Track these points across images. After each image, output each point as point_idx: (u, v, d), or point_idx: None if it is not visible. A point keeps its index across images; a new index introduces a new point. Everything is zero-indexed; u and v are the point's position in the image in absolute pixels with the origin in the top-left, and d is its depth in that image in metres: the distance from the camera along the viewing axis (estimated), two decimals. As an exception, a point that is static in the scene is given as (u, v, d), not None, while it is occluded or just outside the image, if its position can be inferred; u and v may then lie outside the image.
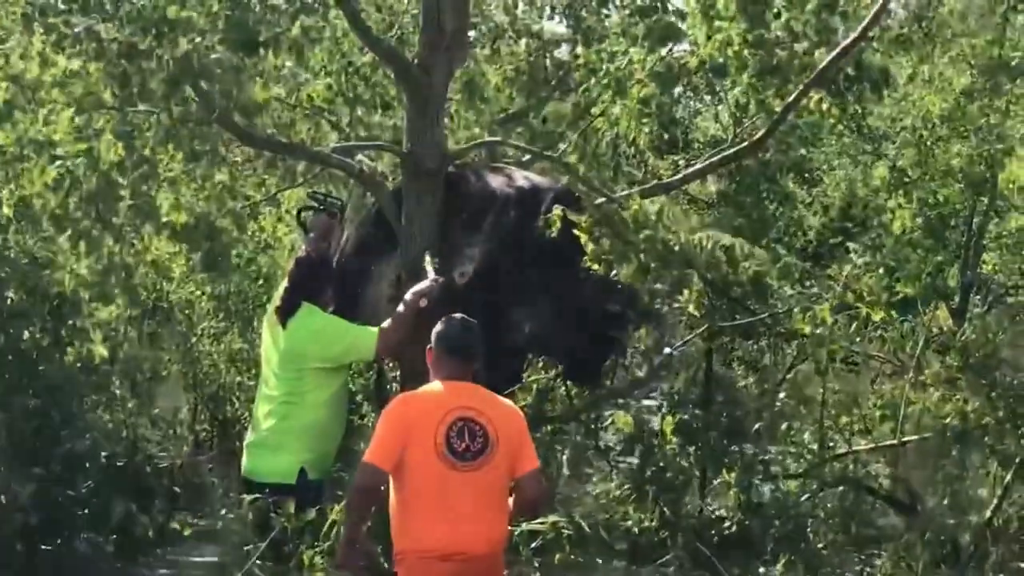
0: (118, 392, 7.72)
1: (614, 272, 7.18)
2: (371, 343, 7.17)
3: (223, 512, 7.37)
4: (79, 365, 7.46)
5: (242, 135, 7.47)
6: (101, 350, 7.32)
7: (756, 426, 7.38)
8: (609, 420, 8.16)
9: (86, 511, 7.21)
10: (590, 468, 7.83)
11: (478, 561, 5.97)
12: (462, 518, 5.89)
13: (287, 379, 7.19)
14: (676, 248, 7.22)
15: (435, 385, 6.13)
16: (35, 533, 7.08)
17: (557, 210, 7.24)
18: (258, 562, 6.50)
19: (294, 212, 9.12)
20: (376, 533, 6.46)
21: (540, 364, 8.22)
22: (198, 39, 6.81)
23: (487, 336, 7.17)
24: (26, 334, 7.39)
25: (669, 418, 7.53)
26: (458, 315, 6.30)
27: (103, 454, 7.36)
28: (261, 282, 9.56)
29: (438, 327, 6.21)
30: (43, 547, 7.02)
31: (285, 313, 7.22)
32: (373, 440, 5.96)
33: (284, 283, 7.37)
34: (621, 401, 8.49)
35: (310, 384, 7.17)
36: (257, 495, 6.88)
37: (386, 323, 7.21)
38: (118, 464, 7.42)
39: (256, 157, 8.77)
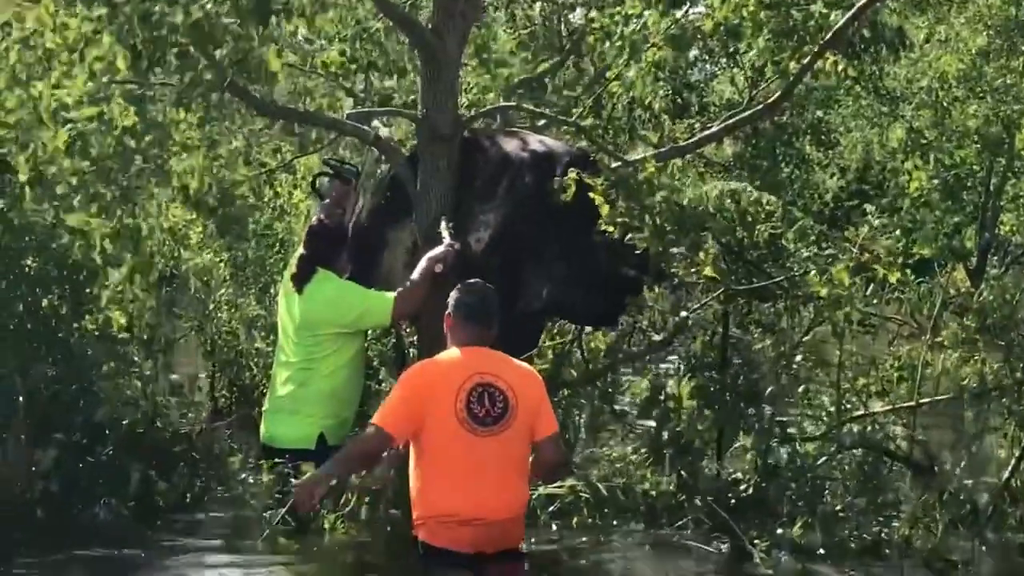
0: (136, 359, 7.73)
1: (629, 236, 7.17)
2: (387, 309, 7.18)
3: (242, 478, 7.39)
4: (96, 332, 7.48)
5: (255, 104, 7.46)
6: (119, 317, 7.33)
7: (772, 389, 7.37)
8: (626, 386, 8.17)
9: (105, 478, 7.24)
10: (607, 431, 7.84)
11: (498, 525, 5.99)
12: (483, 483, 5.92)
13: (304, 345, 7.22)
14: (690, 209, 7.20)
15: (453, 351, 6.14)
16: (56, 500, 7.11)
17: (572, 174, 7.23)
18: (278, 527, 6.52)
19: (309, 179, 9.12)
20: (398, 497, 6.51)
21: (556, 329, 8.24)
22: (209, 6, 6.78)
23: (504, 301, 7.19)
24: (44, 302, 7.40)
25: (686, 381, 7.54)
26: (475, 280, 6.30)
27: (123, 421, 7.38)
28: (277, 248, 9.57)
29: (455, 293, 6.22)
30: (63, 514, 7.05)
31: (300, 280, 7.24)
32: (385, 403, 5.98)
33: (299, 250, 7.38)
34: (638, 364, 8.51)
35: (327, 350, 7.20)
36: (277, 460, 6.91)
37: (401, 288, 7.22)
38: (137, 431, 7.45)
39: (272, 123, 8.75)
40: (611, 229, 7.19)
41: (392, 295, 7.21)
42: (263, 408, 7.45)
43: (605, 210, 7.21)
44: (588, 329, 8.21)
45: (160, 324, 8.01)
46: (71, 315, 7.45)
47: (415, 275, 7.21)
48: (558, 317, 7.95)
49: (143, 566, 6.36)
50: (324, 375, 7.21)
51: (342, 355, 7.25)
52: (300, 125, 8.61)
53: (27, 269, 7.36)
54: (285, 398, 7.24)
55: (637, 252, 7.23)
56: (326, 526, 6.71)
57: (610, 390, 8.21)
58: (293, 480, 6.71)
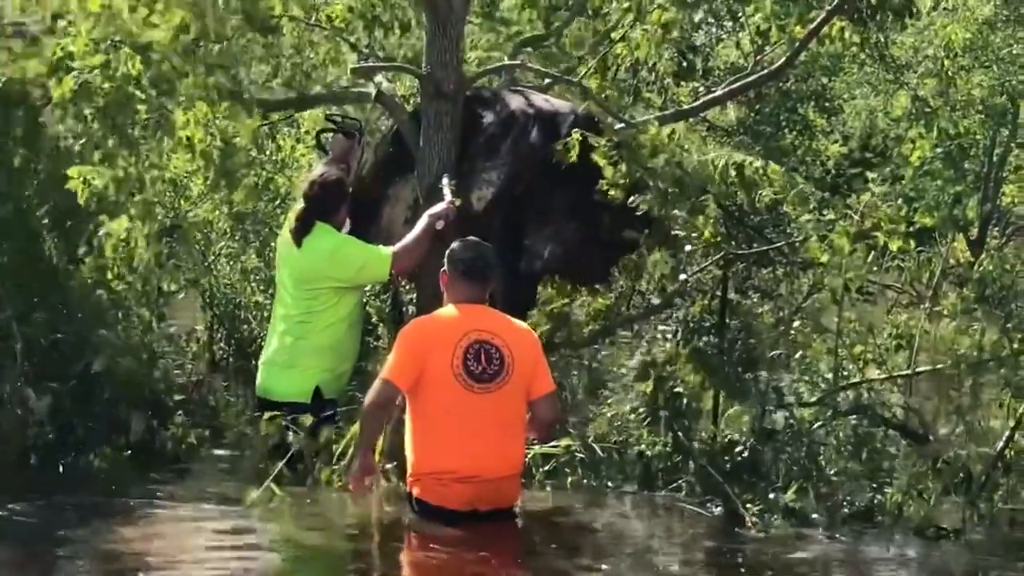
0: (134, 308, 7.73)
1: (631, 199, 7.16)
2: (385, 263, 7.18)
3: (239, 429, 7.40)
4: (94, 281, 7.48)
5: (252, 103, 7.49)
6: (119, 265, 7.33)
7: (770, 354, 7.38)
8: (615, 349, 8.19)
9: (101, 426, 7.26)
10: (604, 393, 7.84)
11: (493, 483, 6.03)
12: (478, 440, 5.95)
13: (302, 299, 7.23)
14: (692, 172, 7.19)
15: (450, 309, 6.16)
16: (51, 447, 7.13)
17: (576, 134, 7.21)
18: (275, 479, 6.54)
19: (313, 134, 9.10)
20: (390, 452, 6.53)
21: (555, 289, 8.24)
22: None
23: (505, 260, 7.20)
24: (45, 249, 7.41)
25: (683, 345, 7.54)
26: (471, 238, 6.32)
27: (120, 370, 7.39)
28: (279, 202, 9.56)
29: (451, 250, 6.24)
30: (57, 461, 7.07)
31: (300, 233, 7.24)
32: (390, 359, 6.03)
33: (299, 203, 7.38)
34: (636, 327, 8.51)
35: (325, 304, 7.20)
36: (274, 412, 6.93)
37: (401, 244, 7.22)
38: (134, 381, 7.46)
39: (273, 76, 8.73)
40: (613, 191, 7.19)
41: (391, 250, 7.21)
42: (260, 360, 7.46)
43: (608, 172, 7.20)
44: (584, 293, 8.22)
45: (158, 275, 7.99)
46: (70, 263, 7.45)
47: (415, 231, 7.21)
48: (560, 276, 7.95)
49: (136, 514, 6.37)
50: (321, 329, 7.22)
51: (340, 309, 7.26)
52: (302, 83, 8.60)
53: (27, 215, 7.36)
54: (282, 351, 7.26)
55: (638, 214, 7.23)
56: (322, 479, 6.72)
57: (608, 352, 8.21)
58: (290, 432, 6.73)
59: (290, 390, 7.15)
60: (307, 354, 7.20)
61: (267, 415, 6.95)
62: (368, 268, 7.24)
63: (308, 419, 6.76)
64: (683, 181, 7.20)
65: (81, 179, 6.96)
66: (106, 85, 6.80)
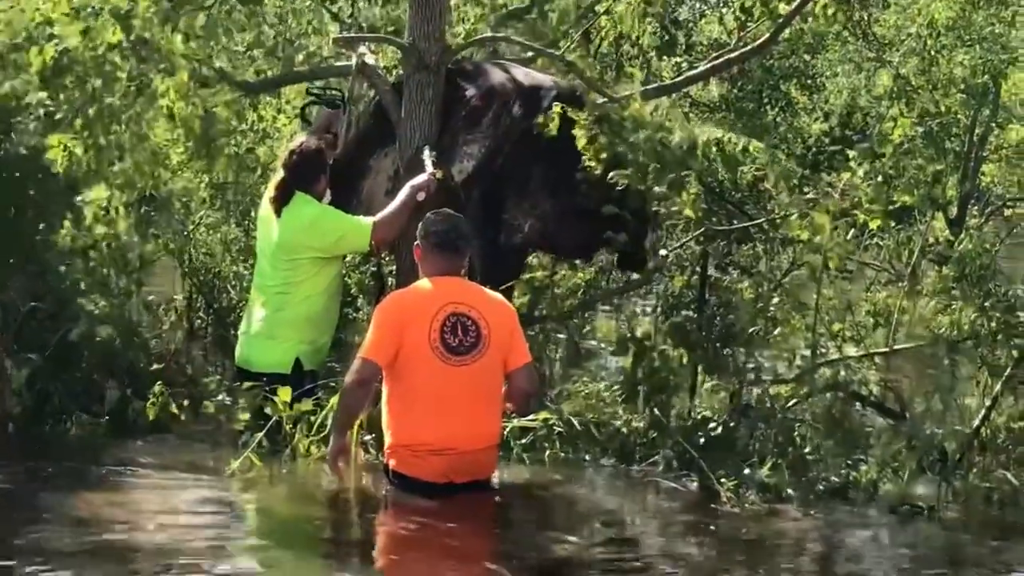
0: (112, 276, 7.70)
1: (611, 175, 7.16)
2: (365, 234, 7.17)
3: (217, 399, 7.39)
4: (71, 250, 7.46)
5: (234, 84, 7.48)
6: (99, 229, 7.32)
7: (748, 330, 7.40)
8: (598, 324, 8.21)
9: (78, 395, 7.25)
10: (583, 367, 7.87)
11: (469, 456, 6.05)
12: (455, 413, 5.96)
13: (281, 269, 7.22)
14: (674, 148, 7.18)
15: (426, 282, 6.17)
16: (28, 415, 7.12)
17: (556, 108, 7.20)
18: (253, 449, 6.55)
19: (295, 105, 9.09)
20: (368, 425, 6.54)
21: (534, 263, 8.24)
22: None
23: (486, 233, 7.20)
24: (24, 219, 7.39)
25: (662, 320, 7.56)
26: (444, 209, 6.33)
27: (97, 340, 7.38)
28: (260, 172, 9.53)
29: (424, 223, 6.24)
30: (36, 429, 7.06)
31: (279, 202, 7.23)
32: (368, 336, 6.03)
33: (278, 173, 7.36)
34: (615, 301, 8.53)
35: (304, 274, 7.20)
36: (254, 383, 6.93)
37: (381, 215, 7.21)
38: (111, 350, 7.44)
39: (255, 45, 8.70)
40: (594, 165, 7.18)
41: (371, 220, 7.20)
42: (239, 331, 7.45)
43: (589, 147, 7.19)
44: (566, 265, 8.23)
45: (137, 243, 7.97)
46: (48, 230, 7.43)
47: (396, 202, 7.20)
48: (539, 250, 7.95)
49: (110, 481, 6.37)
50: (301, 300, 7.21)
51: (319, 280, 7.25)
52: (284, 48, 8.58)
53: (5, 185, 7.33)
54: (262, 322, 7.25)
55: (619, 189, 7.22)
56: (300, 449, 6.73)
57: (587, 327, 8.23)
58: (270, 403, 6.73)
59: (270, 361, 7.15)
60: (287, 325, 7.19)
61: (246, 386, 6.95)
62: (348, 238, 7.23)
63: (288, 392, 6.75)
64: (664, 157, 7.20)
65: (61, 147, 6.93)
66: (86, 53, 6.77)
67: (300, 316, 7.21)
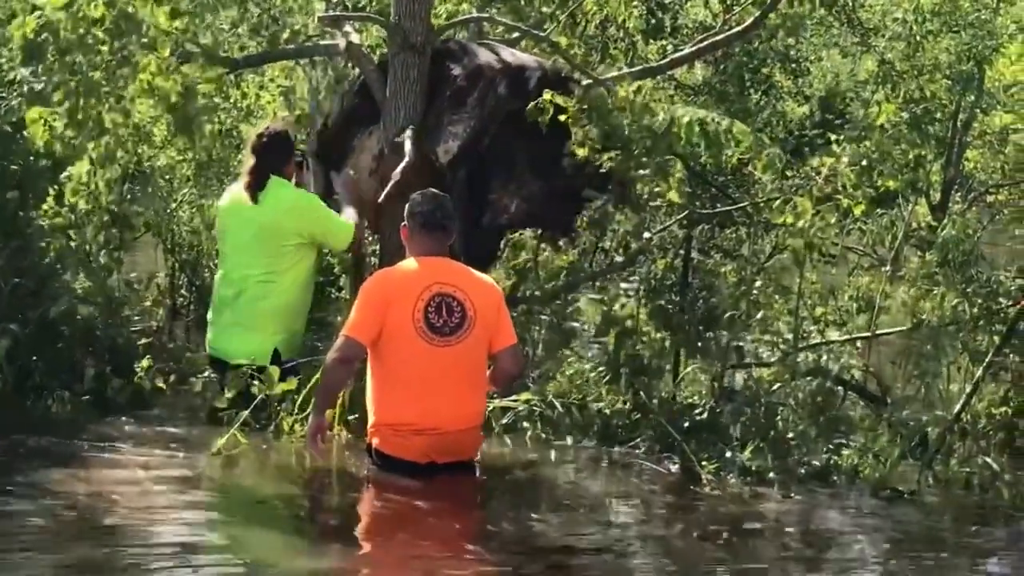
0: (93, 251, 7.67)
1: (595, 158, 7.15)
2: (348, 237, 7.24)
3: (203, 376, 7.36)
4: (53, 227, 7.43)
5: (220, 61, 7.46)
6: (80, 204, 7.29)
7: (731, 313, 7.40)
8: (577, 306, 8.19)
9: (59, 372, 7.22)
10: (566, 349, 7.86)
11: (452, 436, 6.05)
12: (438, 393, 5.96)
13: (264, 256, 7.16)
14: (660, 133, 7.18)
15: (412, 262, 6.15)
16: (8, 390, 7.09)
17: (547, 95, 7.17)
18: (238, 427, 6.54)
19: (281, 86, 9.10)
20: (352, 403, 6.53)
21: (517, 244, 8.24)
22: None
23: (471, 214, 7.19)
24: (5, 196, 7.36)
25: (644, 303, 7.56)
26: (430, 190, 6.32)
27: (77, 318, 7.35)
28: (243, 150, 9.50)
29: (410, 203, 6.23)
30: (17, 405, 7.04)
31: (255, 188, 7.18)
32: (352, 314, 6.02)
33: (247, 160, 7.28)
34: (598, 284, 8.52)
35: (290, 261, 7.17)
36: (240, 363, 6.90)
37: (356, 219, 7.27)
38: (91, 328, 7.42)
39: (240, 22, 8.68)
40: (580, 150, 7.17)
41: (352, 223, 7.23)
42: (214, 321, 7.38)
43: (576, 131, 7.17)
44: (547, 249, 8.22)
45: (118, 220, 7.94)
46: (29, 206, 7.39)
47: (352, 209, 7.22)
48: (527, 227, 7.95)
49: (90, 458, 6.35)
50: (283, 289, 7.18)
51: (301, 267, 7.23)
52: (268, 25, 8.55)
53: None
54: (240, 312, 7.19)
55: (603, 172, 7.22)
56: (284, 428, 6.72)
57: (570, 309, 8.22)
58: (255, 382, 6.73)
59: (249, 352, 7.09)
60: (268, 315, 7.16)
61: (233, 366, 6.93)
62: (333, 235, 7.25)
63: (276, 371, 6.76)
64: (649, 140, 7.19)
65: (41, 121, 6.90)
66: (69, 26, 6.73)
67: (281, 306, 7.19)
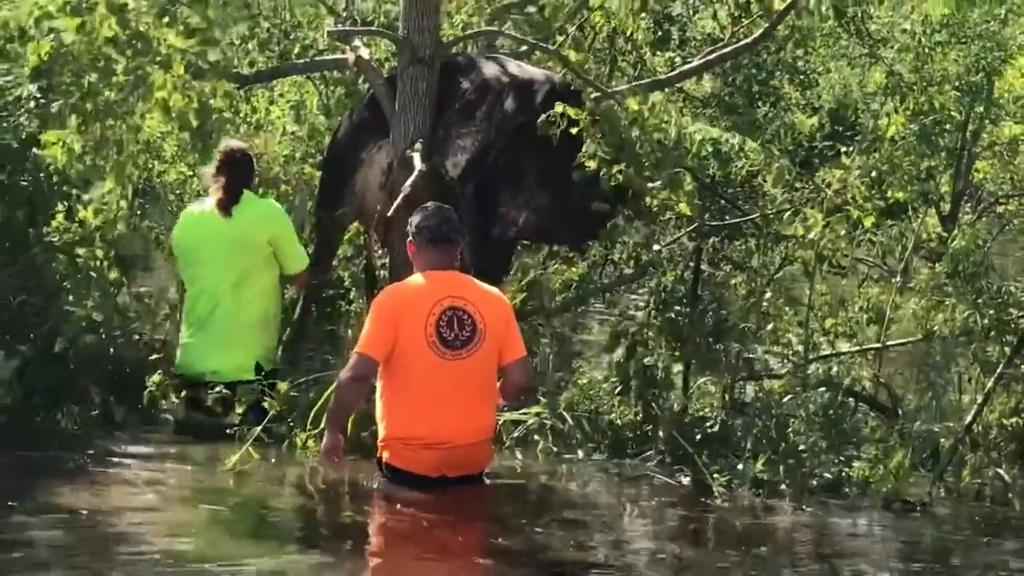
0: (104, 270, 7.67)
1: (604, 172, 7.15)
2: (302, 262, 7.49)
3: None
4: (60, 245, 7.44)
5: (229, 77, 7.51)
6: (91, 217, 7.31)
7: (741, 326, 7.40)
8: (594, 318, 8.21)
9: (66, 393, 7.22)
10: (576, 361, 7.86)
11: (463, 450, 6.04)
12: (449, 407, 5.96)
13: (239, 269, 7.29)
14: (670, 146, 7.19)
15: (420, 276, 6.16)
16: (18, 406, 7.10)
17: (559, 107, 7.18)
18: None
19: (291, 100, 9.11)
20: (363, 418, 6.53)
21: (528, 258, 8.24)
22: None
23: (480, 227, 7.20)
24: (18, 214, 7.37)
25: (654, 315, 7.56)
26: (432, 203, 6.33)
27: (82, 346, 7.34)
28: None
29: (415, 218, 6.23)
30: (27, 420, 7.04)
31: (230, 202, 7.29)
32: (365, 332, 6.02)
33: (216, 179, 7.32)
34: (608, 296, 8.53)
35: (260, 272, 7.33)
36: (248, 381, 6.94)
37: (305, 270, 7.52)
38: (100, 353, 7.40)
39: (250, 38, 8.70)
40: (590, 163, 7.18)
41: (307, 261, 7.50)
42: (185, 340, 7.40)
43: (587, 144, 7.17)
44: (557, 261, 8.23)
45: (130, 235, 7.95)
46: (38, 226, 7.40)
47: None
48: (533, 241, 7.96)
49: (100, 472, 6.36)
50: (257, 301, 7.33)
51: (269, 278, 7.40)
52: (280, 40, 8.58)
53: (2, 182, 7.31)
54: (218, 329, 7.25)
55: (613, 185, 7.22)
56: (297, 443, 6.73)
57: (580, 320, 8.23)
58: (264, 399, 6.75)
59: (233, 367, 7.18)
60: (247, 329, 7.29)
61: (242, 386, 6.97)
62: (291, 256, 7.44)
63: (286, 385, 6.80)
64: (659, 154, 7.20)
65: (60, 143, 6.94)
66: (82, 47, 6.76)
67: (257, 318, 7.34)
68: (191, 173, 9.25)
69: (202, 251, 7.36)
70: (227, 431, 6.84)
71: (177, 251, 7.53)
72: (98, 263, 7.55)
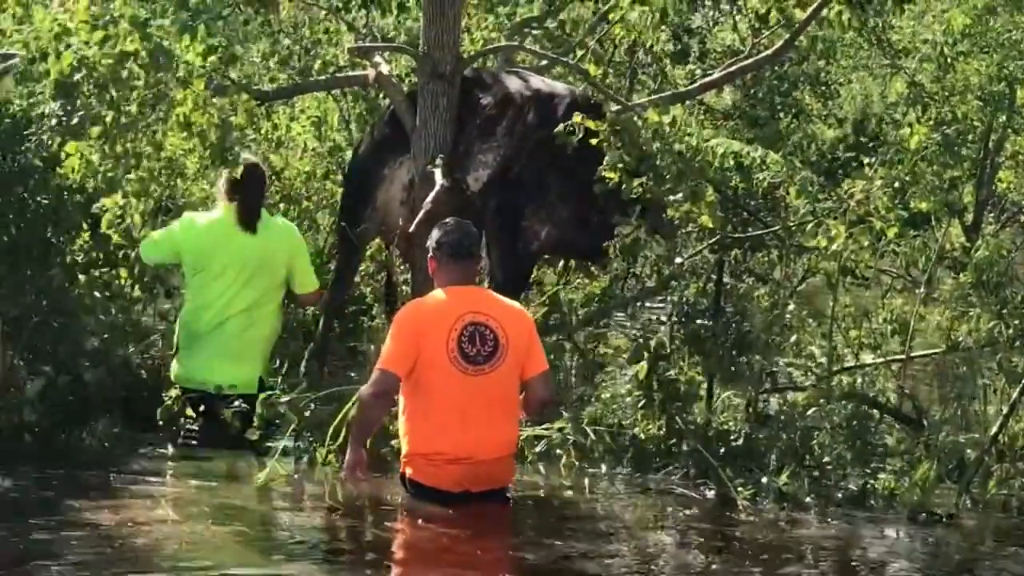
0: (125, 286, 7.68)
1: (625, 187, 7.15)
2: (313, 284, 7.51)
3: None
4: (81, 262, 7.45)
5: (250, 94, 7.54)
6: (114, 235, 7.33)
7: (764, 338, 7.38)
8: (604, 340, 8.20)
9: (90, 413, 7.23)
10: (600, 375, 7.84)
11: (486, 465, 6.04)
12: (472, 423, 5.96)
13: (259, 288, 7.28)
14: (691, 159, 7.18)
15: (441, 292, 6.15)
16: (43, 424, 7.10)
17: (578, 117, 7.19)
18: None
19: (312, 116, 9.13)
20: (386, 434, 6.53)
21: (550, 269, 8.24)
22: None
23: (503, 241, 7.20)
24: (40, 232, 7.38)
25: (677, 328, 7.54)
26: (450, 219, 6.33)
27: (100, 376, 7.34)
28: (273, 179, 9.54)
29: (435, 233, 6.23)
30: (52, 438, 7.05)
31: (255, 218, 7.27)
32: (387, 348, 6.02)
33: (231, 197, 7.30)
34: (631, 310, 8.51)
35: (276, 292, 7.36)
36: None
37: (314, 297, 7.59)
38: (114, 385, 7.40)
39: (270, 55, 8.73)
40: (611, 175, 7.17)
41: (317, 283, 7.55)
42: (185, 352, 7.37)
43: (608, 156, 7.17)
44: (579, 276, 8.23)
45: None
46: (58, 244, 7.41)
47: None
48: (555, 254, 7.96)
49: (127, 489, 6.37)
50: (267, 319, 7.35)
51: (279, 296, 7.42)
52: (300, 57, 8.60)
53: (22, 196, 7.31)
54: (226, 343, 7.23)
55: (634, 197, 7.22)
56: (319, 458, 6.74)
57: (603, 334, 8.22)
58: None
59: (241, 381, 7.22)
60: (255, 344, 7.31)
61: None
62: (306, 274, 7.46)
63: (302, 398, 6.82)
64: (680, 166, 7.19)
65: (79, 155, 6.96)
66: (104, 61, 6.79)
67: (267, 335, 7.37)
68: (214, 189, 9.28)
69: (215, 264, 7.29)
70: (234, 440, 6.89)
71: (186, 256, 7.36)
72: (122, 281, 7.56)
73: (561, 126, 7.22)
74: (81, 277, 7.43)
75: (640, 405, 7.16)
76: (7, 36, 7.18)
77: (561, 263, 8.26)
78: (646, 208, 7.34)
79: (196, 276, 7.36)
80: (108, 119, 6.91)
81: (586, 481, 6.93)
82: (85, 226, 7.38)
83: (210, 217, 7.38)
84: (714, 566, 5.90)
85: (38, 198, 7.11)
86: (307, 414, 6.88)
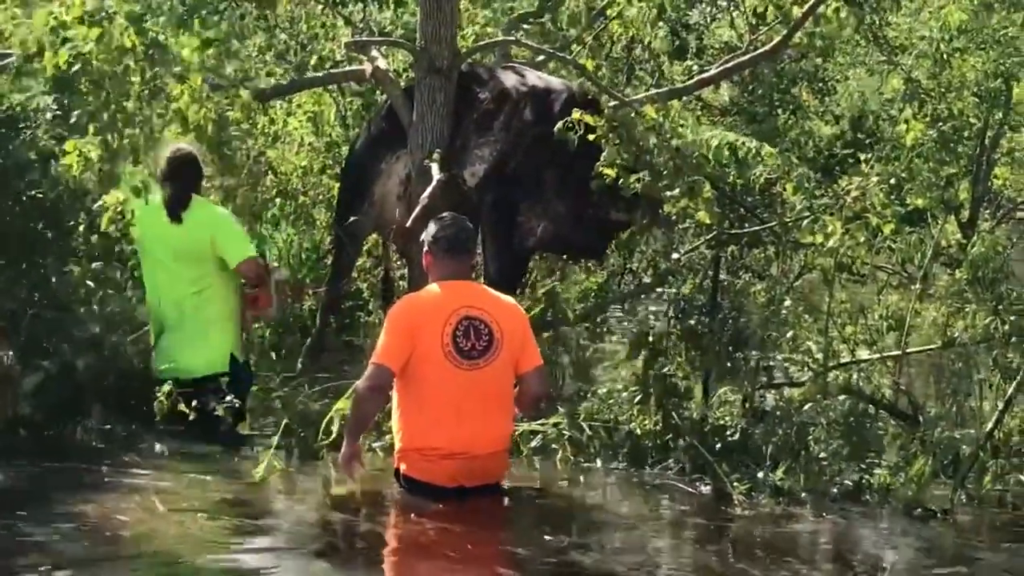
0: (121, 278, 7.68)
1: (622, 181, 7.15)
2: (244, 252, 7.25)
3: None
4: (79, 258, 7.45)
5: (247, 90, 7.52)
6: (110, 225, 7.32)
7: (760, 334, 7.39)
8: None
9: (82, 407, 7.23)
10: (595, 370, 7.86)
11: (480, 460, 6.05)
12: (467, 417, 5.96)
13: (194, 273, 7.22)
14: (688, 154, 7.18)
15: (436, 286, 6.16)
16: (38, 420, 7.10)
17: (576, 114, 7.19)
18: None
19: (309, 111, 9.12)
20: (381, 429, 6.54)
21: (546, 268, 8.25)
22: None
23: (499, 236, 7.20)
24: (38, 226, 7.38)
25: (674, 324, 7.55)
26: (446, 214, 6.33)
27: (90, 368, 7.33)
28: (269, 175, 9.54)
29: (431, 228, 6.23)
30: (47, 432, 7.05)
31: (180, 208, 7.21)
32: (381, 342, 6.02)
33: (162, 185, 7.27)
34: (627, 305, 8.52)
35: (215, 269, 7.24)
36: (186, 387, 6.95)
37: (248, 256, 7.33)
38: (104, 375, 7.40)
39: (267, 49, 8.73)
40: (609, 171, 7.17)
41: (250, 250, 7.28)
42: (158, 344, 7.36)
43: (606, 152, 7.17)
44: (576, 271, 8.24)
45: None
46: (55, 239, 7.40)
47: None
48: (551, 251, 7.96)
49: (121, 483, 6.37)
50: (219, 295, 7.27)
51: (226, 274, 7.29)
52: (298, 54, 8.61)
53: (19, 192, 7.32)
54: (188, 328, 7.21)
55: (631, 193, 7.22)
56: (313, 453, 6.74)
57: (599, 330, 8.22)
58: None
59: (208, 362, 7.21)
60: (215, 323, 7.24)
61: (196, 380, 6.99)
62: (232, 244, 7.26)
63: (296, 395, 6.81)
64: (677, 162, 7.19)
65: (76, 152, 6.95)
66: (100, 56, 6.78)
67: (224, 312, 7.28)
68: (207, 185, 9.29)
69: (155, 249, 7.30)
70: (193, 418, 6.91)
71: (137, 246, 7.41)
72: (119, 275, 7.56)
73: (560, 123, 7.22)
74: (75, 269, 7.41)
75: (636, 401, 7.17)
76: (6, 36, 7.17)
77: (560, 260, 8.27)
78: (644, 203, 7.34)
79: (145, 266, 7.40)
80: (105, 115, 6.89)
81: (581, 476, 6.93)
82: (82, 219, 7.38)
83: (152, 201, 7.33)
84: (710, 561, 5.91)
85: (33, 192, 7.12)
86: (300, 408, 6.88)
